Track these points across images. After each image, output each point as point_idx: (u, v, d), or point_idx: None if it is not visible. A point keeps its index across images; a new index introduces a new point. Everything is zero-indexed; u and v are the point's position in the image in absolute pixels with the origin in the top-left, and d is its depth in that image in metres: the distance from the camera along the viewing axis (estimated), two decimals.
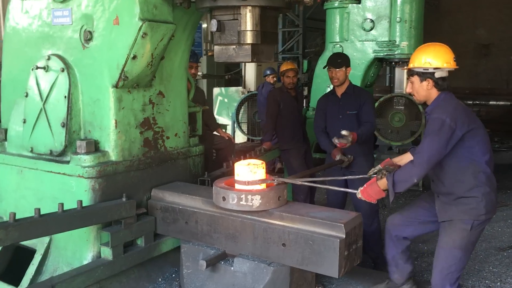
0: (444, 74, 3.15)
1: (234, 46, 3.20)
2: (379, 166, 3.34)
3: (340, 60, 4.57)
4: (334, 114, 4.66)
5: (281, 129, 5.75)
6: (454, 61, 3.18)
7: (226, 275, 3.23)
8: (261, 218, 3.15)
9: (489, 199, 3.13)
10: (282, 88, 5.86)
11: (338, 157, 4.50)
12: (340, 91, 4.65)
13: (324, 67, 4.75)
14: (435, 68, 3.13)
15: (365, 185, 3.21)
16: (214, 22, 3.18)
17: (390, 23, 7.89)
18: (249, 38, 3.15)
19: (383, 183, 3.13)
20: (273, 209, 3.18)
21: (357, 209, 4.56)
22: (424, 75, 3.15)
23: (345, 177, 3.84)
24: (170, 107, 3.81)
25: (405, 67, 3.35)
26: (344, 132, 4.21)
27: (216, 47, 3.30)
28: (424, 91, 3.19)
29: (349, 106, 4.56)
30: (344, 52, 8.68)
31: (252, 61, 3.26)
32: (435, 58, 3.14)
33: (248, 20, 3.12)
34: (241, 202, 3.16)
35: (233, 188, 3.28)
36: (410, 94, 3.31)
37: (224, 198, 3.21)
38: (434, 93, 3.18)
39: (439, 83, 3.15)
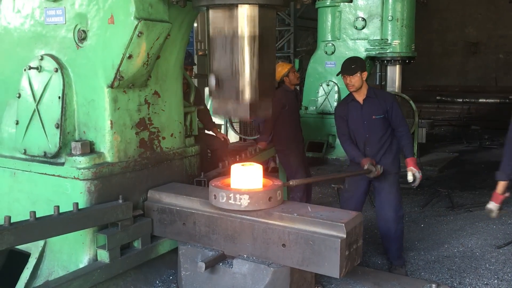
0: None
1: (233, 102, 3.08)
2: None
3: (354, 66, 4.35)
4: (357, 120, 4.46)
5: (283, 129, 5.66)
6: None
7: (225, 277, 3.19)
8: (261, 219, 3.12)
9: None
10: (286, 88, 5.79)
11: (366, 166, 4.29)
12: (360, 97, 4.44)
13: (337, 74, 4.58)
14: None
15: None
16: (212, 78, 3.06)
17: (382, 21, 7.92)
18: (247, 95, 3.03)
19: None
20: (272, 208, 3.15)
21: (380, 216, 4.48)
22: None
23: None
24: (165, 107, 3.76)
25: None
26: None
27: (214, 102, 3.18)
28: None
29: (374, 111, 4.38)
30: (336, 50, 8.72)
31: (250, 118, 3.14)
32: None
33: (247, 76, 3.01)
34: (236, 202, 3.12)
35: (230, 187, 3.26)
36: None
37: (218, 197, 3.17)
38: None
39: None
